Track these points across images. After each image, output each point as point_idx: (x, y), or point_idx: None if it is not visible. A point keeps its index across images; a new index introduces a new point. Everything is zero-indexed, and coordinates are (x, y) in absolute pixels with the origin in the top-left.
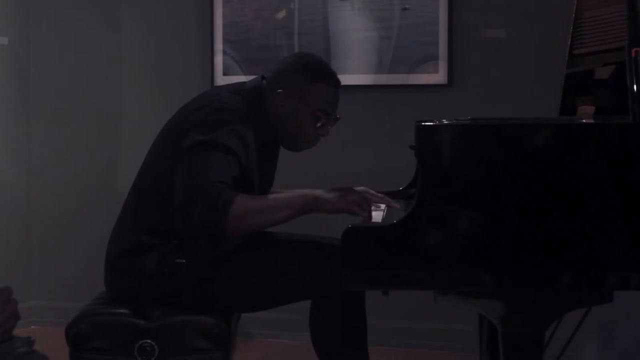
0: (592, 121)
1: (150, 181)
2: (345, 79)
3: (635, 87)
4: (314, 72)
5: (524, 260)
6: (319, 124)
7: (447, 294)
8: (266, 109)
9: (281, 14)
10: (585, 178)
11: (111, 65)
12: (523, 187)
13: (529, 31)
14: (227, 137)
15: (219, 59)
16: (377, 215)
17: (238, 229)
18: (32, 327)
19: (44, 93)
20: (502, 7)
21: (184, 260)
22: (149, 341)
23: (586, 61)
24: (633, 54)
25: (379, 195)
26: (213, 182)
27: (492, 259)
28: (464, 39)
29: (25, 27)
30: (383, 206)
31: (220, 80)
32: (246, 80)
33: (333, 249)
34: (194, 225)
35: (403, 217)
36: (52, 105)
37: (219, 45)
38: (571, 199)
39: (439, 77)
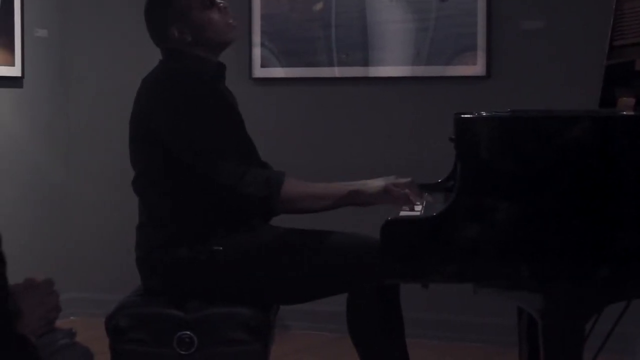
0: (632, 113)
1: (151, 184)
2: (383, 71)
3: None
4: None
5: (563, 253)
6: (215, 10)
7: (486, 286)
8: (189, 53)
9: (318, 6)
10: (625, 170)
11: (149, 57)
12: (562, 180)
13: (568, 22)
14: (212, 118)
15: (257, 52)
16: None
17: (285, 210)
18: (72, 318)
19: (83, 85)
20: None
21: (221, 248)
22: (188, 333)
23: (627, 52)
24: None
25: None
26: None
27: (531, 252)
28: (503, 30)
29: (64, 20)
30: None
31: (258, 72)
32: (283, 72)
33: (371, 242)
34: (246, 202)
35: (442, 210)
36: (91, 97)
37: (257, 38)
38: (611, 191)
39: (477, 68)
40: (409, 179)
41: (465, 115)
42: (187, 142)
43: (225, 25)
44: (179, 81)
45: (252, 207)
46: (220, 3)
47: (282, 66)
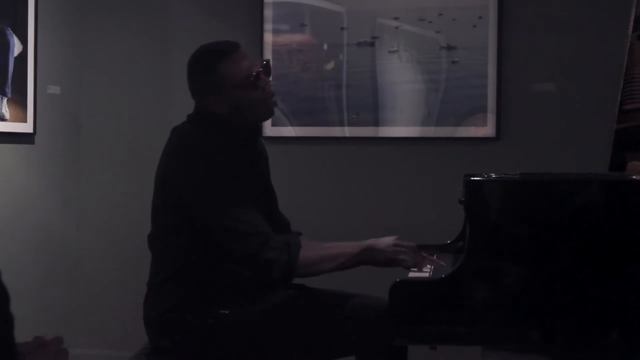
0: None
1: (167, 242)
2: (393, 131)
3: None
4: (212, 60)
5: (573, 317)
6: (259, 90)
7: (494, 349)
8: (222, 120)
9: (330, 65)
10: (635, 235)
11: (162, 115)
12: (571, 243)
13: (578, 85)
14: (232, 182)
15: None
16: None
17: (303, 274)
18: None
19: (95, 142)
20: (551, 60)
21: (227, 311)
22: None
23: (636, 117)
24: None
25: (426, 256)
26: (266, 234)
27: (540, 315)
28: (513, 92)
29: (76, 77)
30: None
31: (269, 131)
32: (294, 131)
33: (379, 303)
34: (267, 268)
35: (451, 272)
36: (103, 154)
37: None
38: (621, 255)
39: (487, 130)
40: (413, 244)
41: (475, 178)
42: (213, 210)
43: (264, 107)
44: (205, 146)
45: (273, 273)
46: (268, 81)
47: (293, 125)
